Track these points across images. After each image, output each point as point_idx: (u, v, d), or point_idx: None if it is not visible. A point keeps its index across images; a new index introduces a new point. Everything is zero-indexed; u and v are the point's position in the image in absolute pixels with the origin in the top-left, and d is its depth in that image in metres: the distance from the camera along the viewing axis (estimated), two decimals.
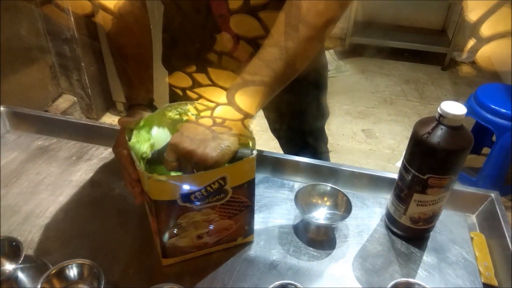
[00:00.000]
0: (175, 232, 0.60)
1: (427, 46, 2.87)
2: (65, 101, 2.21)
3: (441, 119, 0.57)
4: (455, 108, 0.56)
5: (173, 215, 0.58)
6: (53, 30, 2.01)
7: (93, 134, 0.88)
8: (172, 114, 0.67)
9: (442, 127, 0.57)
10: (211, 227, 0.62)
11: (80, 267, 0.45)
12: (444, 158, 0.58)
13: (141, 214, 0.72)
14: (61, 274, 0.45)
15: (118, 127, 0.87)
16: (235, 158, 0.57)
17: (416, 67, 2.91)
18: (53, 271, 0.44)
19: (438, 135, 0.57)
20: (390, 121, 2.38)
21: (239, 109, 0.58)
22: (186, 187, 0.55)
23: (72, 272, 0.45)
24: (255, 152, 0.57)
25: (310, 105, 1.01)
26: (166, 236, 0.60)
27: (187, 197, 0.56)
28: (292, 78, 0.61)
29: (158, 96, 0.73)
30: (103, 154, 0.86)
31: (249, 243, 0.69)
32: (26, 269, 0.50)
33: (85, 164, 0.83)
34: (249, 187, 0.61)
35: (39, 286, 0.43)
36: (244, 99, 0.58)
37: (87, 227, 0.70)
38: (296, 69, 0.60)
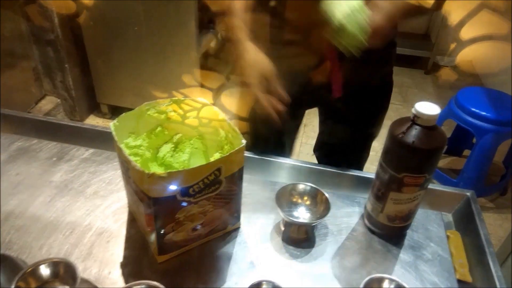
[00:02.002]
0: (172, 227, 0.61)
1: (411, 50, 2.92)
2: (48, 103, 2.19)
3: (416, 119, 0.58)
4: (429, 108, 0.58)
5: (172, 210, 0.59)
6: (37, 31, 1.99)
7: (74, 135, 0.88)
8: (151, 112, 0.68)
9: (417, 127, 0.59)
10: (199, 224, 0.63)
11: (56, 265, 0.45)
12: (418, 157, 0.59)
13: (120, 213, 0.73)
14: (36, 273, 0.44)
15: (100, 129, 0.88)
16: None
17: (400, 71, 2.96)
18: (28, 270, 0.44)
19: (412, 134, 0.58)
20: None
21: None
22: (185, 182, 0.56)
23: (48, 270, 0.45)
24: (244, 141, 0.60)
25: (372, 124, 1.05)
26: (164, 232, 0.61)
27: (186, 191, 0.57)
28: None
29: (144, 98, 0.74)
30: (84, 155, 0.85)
31: (236, 232, 0.71)
32: (3, 268, 0.49)
33: (66, 164, 0.83)
34: (239, 175, 0.64)
35: (13, 286, 0.43)
36: None
37: (67, 228, 0.70)
38: None
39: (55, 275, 0.45)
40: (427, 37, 3.11)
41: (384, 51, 0.92)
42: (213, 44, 2.73)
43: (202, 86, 2.16)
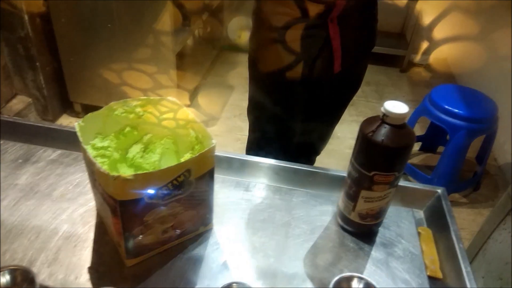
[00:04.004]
0: (141, 230, 0.59)
1: (387, 49, 2.96)
2: (19, 102, 2.12)
3: (385, 117, 0.59)
4: (397, 107, 0.58)
5: (140, 213, 0.57)
6: (6, 28, 1.92)
7: (41, 136, 0.85)
8: (119, 112, 0.66)
9: (386, 125, 0.59)
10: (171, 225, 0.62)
11: (13, 272, 0.43)
12: (387, 155, 0.60)
13: (88, 216, 0.71)
14: None
15: (68, 129, 0.85)
16: None
17: (377, 69, 3.00)
18: None
19: (382, 133, 0.59)
20: (351, 121, 2.44)
21: None
22: (153, 184, 0.55)
23: (4, 278, 0.43)
24: (214, 142, 0.59)
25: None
26: (133, 236, 0.59)
27: (154, 193, 0.56)
28: None
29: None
30: (51, 156, 0.83)
31: (208, 234, 0.70)
32: None
33: (32, 166, 0.80)
34: (210, 176, 0.62)
35: None
36: None
37: (32, 232, 0.67)
38: None
39: (12, 283, 0.43)
40: (402, 36, 3.16)
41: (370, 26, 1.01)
42: (189, 42, 2.71)
43: (178, 87, 2.14)
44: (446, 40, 2.67)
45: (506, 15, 2.21)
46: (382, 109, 0.59)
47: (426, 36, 2.97)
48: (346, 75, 1.01)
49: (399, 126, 0.59)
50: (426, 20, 2.59)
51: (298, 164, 0.82)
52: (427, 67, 3.13)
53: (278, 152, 1.11)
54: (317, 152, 1.26)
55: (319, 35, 0.91)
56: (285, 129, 1.10)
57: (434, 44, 2.92)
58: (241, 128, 2.34)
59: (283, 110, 1.06)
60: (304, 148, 1.17)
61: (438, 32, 2.63)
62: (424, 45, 3.06)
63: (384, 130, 0.59)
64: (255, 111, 1.13)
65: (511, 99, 2.06)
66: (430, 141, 2.21)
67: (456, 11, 2.30)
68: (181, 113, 0.68)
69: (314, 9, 0.88)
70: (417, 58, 3.10)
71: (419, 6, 2.68)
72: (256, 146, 1.19)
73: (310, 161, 1.26)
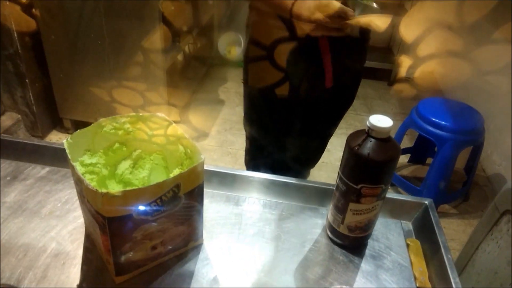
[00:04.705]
0: (130, 247, 0.59)
1: (374, 63, 3.01)
2: (8, 119, 2.11)
3: (370, 131, 0.60)
4: (382, 121, 0.59)
5: (129, 230, 0.57)
6: None
7: (30, 153, 0.85)
8: (108, 128, 0.66)
9: (371, 139, 0.60)
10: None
11: None
12: (373, 168, 0.61)
13: (76, 233, 0.70)
14: None
15: (56, 146, 0.85)
16: None
17: (365, 83, 3.04)
18: None
19: (367, 147, 0.60)
20: (341, 134, 2.45)
21: None
22: (141, 200, 0.55)
23: None
24: (203, 157, 0.59)
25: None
26: (121, 252, 0.59)
27: (143, 209, 0.56)
28: None
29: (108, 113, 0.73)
30: (40, 173, 0.82)
31: (198, 249, 0.69)
32: None
33: (20, 184, 0.79)
34: (199, 191, 0.63)
35: None
36: None
37: (20, 250, 0.66)
38: None
39: None
40: (389, 50, 3.22)
41: (361, 44, 1.05)
42: (180, 58, 2.72)
43: (168, 103, 2.15)
44: (431, 56, 2.74)
45: (489, 31, 2.27)
46: (367, 123, 0.60)
47: (412, 52, 3.03)
48: (338, 90, 1.02)
49: (384, 140, 0.60)
50: (410, 37, 2.65)
51: (287, 177, 0.83)
52: (414, 80, 3.18)
53: (272, 162, 1.12)
54: (312, 164, 1.27)
55: (309, 50, 0.93)
56: (279, 141, 1.11)
57: (419, 60, 2.99)
58: (232, 142, 2.34)
59: (276, 123, 1.07)
60: (299, 160, 1.18)
61: (423, 48, 2.70)
62: (410, 60, 3.12)
63: (369, 144, 0.60)
64: (249, 124, 1.14)
65: (497, 111, 2.11)
66: (419, 153, 2.23)
67: (439, 28, 2.36)
68: (170, 129, 0.69)
69: (302, 27, 0.90)
70: (404, 72, 3.17)
71: (403, 25, 2.75)
72: (251, 155, 1.20)
73: (304, 172, 1.27)
